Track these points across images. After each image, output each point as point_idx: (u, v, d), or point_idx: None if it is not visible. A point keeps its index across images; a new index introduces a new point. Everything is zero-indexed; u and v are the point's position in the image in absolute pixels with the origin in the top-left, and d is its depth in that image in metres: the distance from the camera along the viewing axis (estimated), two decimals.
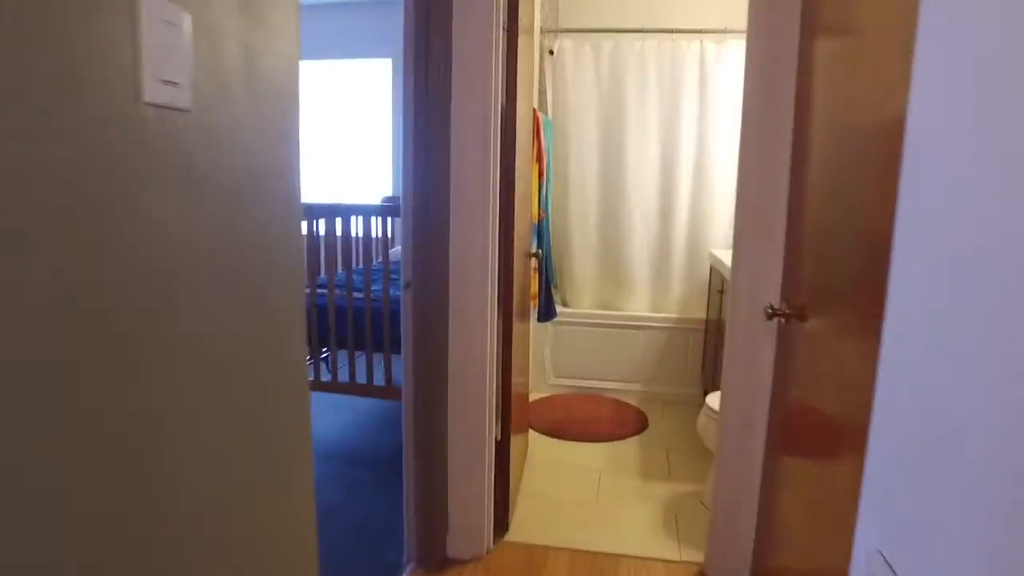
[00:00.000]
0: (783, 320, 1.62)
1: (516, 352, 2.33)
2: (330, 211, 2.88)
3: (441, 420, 2.09)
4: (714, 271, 3.39)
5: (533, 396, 3.72)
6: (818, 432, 1.33)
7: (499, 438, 2.24)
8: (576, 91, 3.63)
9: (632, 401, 3.67)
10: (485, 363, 2.03)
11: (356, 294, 2.87)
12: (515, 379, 2.33)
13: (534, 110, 2.94)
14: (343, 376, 2.92)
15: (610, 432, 3.20)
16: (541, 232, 3.21)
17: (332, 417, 3.39)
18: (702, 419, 2.50)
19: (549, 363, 3.81)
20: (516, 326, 2.32)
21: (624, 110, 3.57)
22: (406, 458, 2.09)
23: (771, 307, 1.54)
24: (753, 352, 1.86)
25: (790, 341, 1.61)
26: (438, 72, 1.91)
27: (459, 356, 2.03)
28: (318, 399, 2.81)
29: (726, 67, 3.44)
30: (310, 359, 3.01)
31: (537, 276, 3.09)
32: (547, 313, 3.22)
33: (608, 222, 3.72)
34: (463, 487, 2.12)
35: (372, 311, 2.80)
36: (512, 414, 2.27)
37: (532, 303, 3.11)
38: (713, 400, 2.38)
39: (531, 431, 3.18)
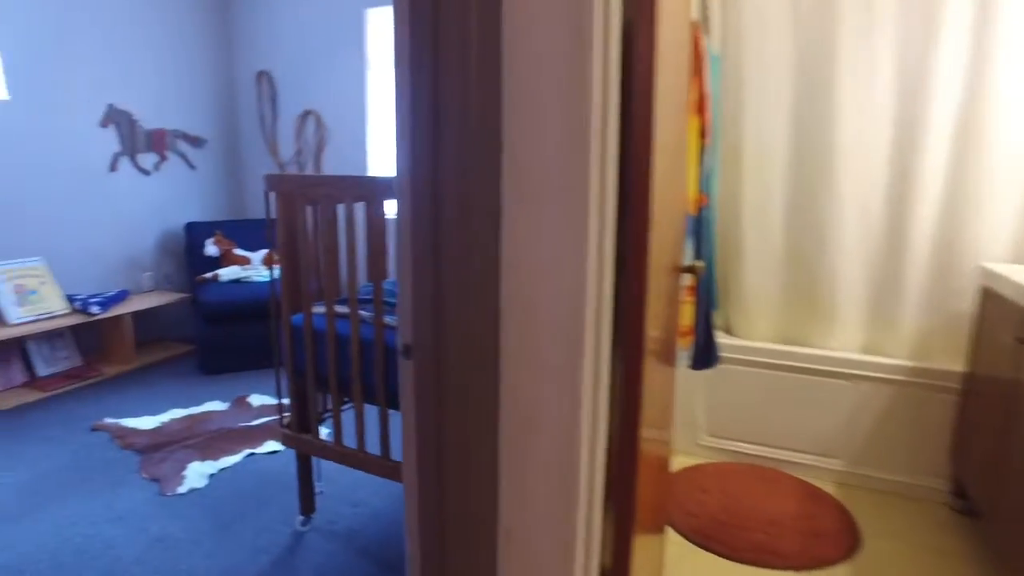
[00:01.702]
0: None
1: (651, 407, 1.25)
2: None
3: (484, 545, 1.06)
4: (989, 298, 2.06)
5: (675, 462, 2.60)
6: None
7: (608, 566, 1.18)
8: (760, 10, 2.41)
9: (829, 487, 2.42)
10: (577, 468, 0.98)
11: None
12: (651, 436, 1.25)
13: (694, 27, 1.81)
14: (350, 439, 2.02)
15: (798, 550, 2.01)
16: (700, 230, 2.07)
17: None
18: None
19: (701, 416, 2.66)
20: (654, 378, 1.24)
21: (836, 42, 2.30)
22: None
23: None
24: None
25: None
26: None
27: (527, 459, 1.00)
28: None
29: None
30: (327, 413, 2.14)
31: (693, 301, 1.96)
32: (706, 357, 2.08)
33: (801, 215, 2.48)
34: None
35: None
36: (641, 500, 1.20)
37: (683, 342, 1.99)
38: None
39: (669, 531, 2.08)
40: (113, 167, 3.89)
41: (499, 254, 0.96)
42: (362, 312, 2.00)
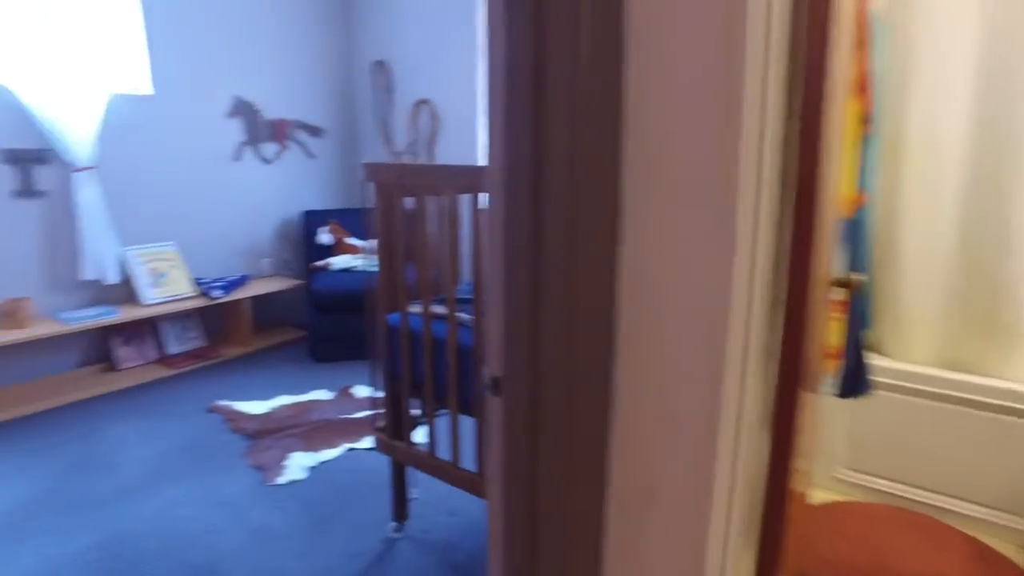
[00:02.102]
0: None
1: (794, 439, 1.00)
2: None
3: None
4: None
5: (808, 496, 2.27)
6: None
7: None
8: None
9: (1009, 550, 2.00)
10: (704, 552, 0.76)
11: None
12: (796, 471, 1.00)
13: None
14: (444, 450, 1.87)
15: None
16: (855, 234, 1.73)
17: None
18: None
19: (840, 445, 2.30)
20: (800, 405, 0.99)
21: None
22: None
23: None
24: None
25: None
26: None
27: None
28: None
29: None
30: (423, 418, 2.01)
31: (843, 318, 1.65)
32: (856, 384, 1.76)
33: (980, 217, 2.05)
34: None
35: None
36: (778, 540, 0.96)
37: (829, 365, 1.69)
38: None
39: None
40: (238, 156, 4.03)
41: (616, 265, 0.76)
42: (461, 315, 1.86)
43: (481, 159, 4.15)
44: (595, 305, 0.76)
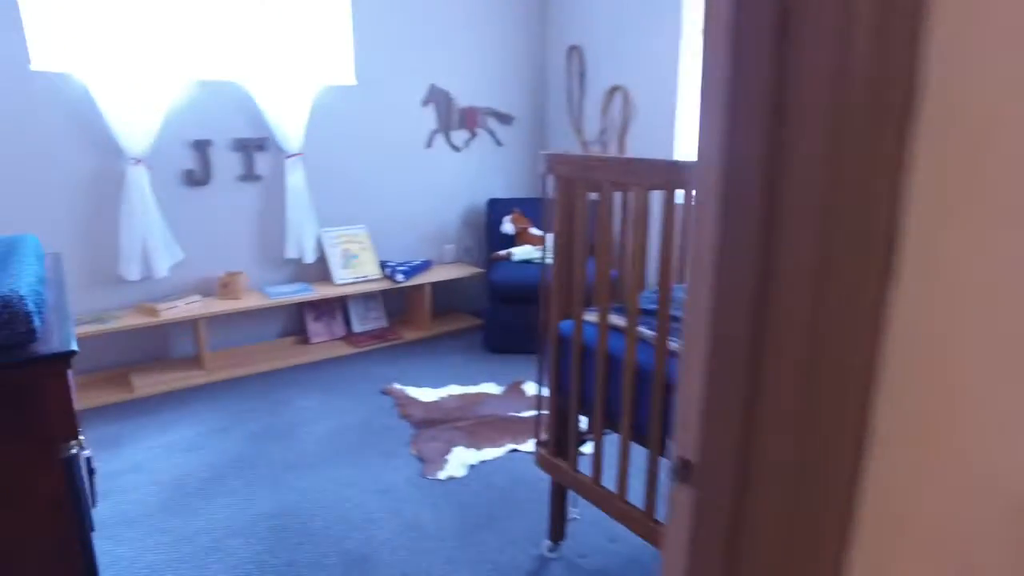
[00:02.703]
0: None
1: None
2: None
3: None
4: None
5: None
6: None
7: None
8: None
9: None
10: None
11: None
12: None
13: None
14: (609, 478, 1.61)
15: None
16: None
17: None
18: None
19: None
20: None
21: None
22: None
23: None
24: None
25: None
26: None
27: None
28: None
29: None
30: (589, 434, 1.76)
31: None
32: None
33: None
34: None
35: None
36: None
37: None
38: None
39: None
40: (429, 144, 4.10)
41: (884, 315, 0.48)
42: (643, 329, 1.61)
43: (678, 152, 3.81)
44: (846, 372, 0.48)
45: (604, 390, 1.65)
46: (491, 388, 3.25)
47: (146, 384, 3.09)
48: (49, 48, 2.88)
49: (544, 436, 1.94)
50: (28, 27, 2.80)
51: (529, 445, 2.65)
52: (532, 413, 2.96)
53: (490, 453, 2.60)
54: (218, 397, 3.07)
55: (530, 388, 3.25)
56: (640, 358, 1.56)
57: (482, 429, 2.80)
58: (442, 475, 2.43)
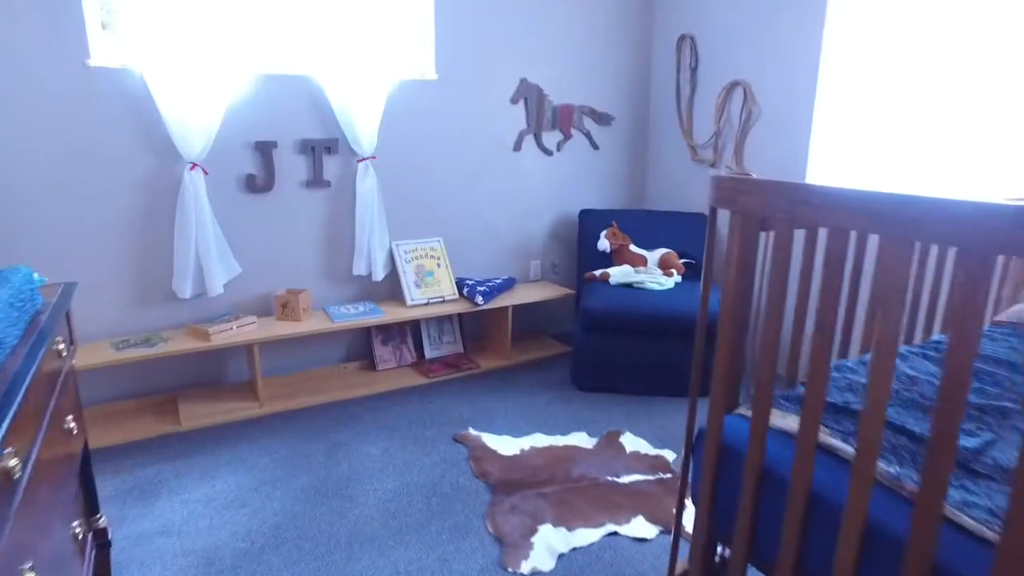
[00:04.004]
0: None
1: None
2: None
3: None
4: None
5: None
6: None
7: None
8: None
9: None
10: None
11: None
12: None
13: None
14: None
15: None
16: None
17: None
18: None
19: None
20: None
21: None
22: None
23: None
24: None
25: None
26: None
27: None
28: None
29: None
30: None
31: None
32: None
33: None
34: None
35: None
36: None
37: None
38: None
39: None
40: (518, 146, 3.61)
41: None
42: (885, 469, 1.05)
43: (812, 161, 3.17)
44: None
45: (798, 542, 1.10)
46: (582, 440, 2.73)
47: (195, 415, 2.75)
48: (108, 41, 2.58)
49: (683, 569, 1.40)
50: (87, 20, 2.51)
51: (634, 526, 2.11)
52: (632, 479, 2.42)
53: (584, 536, 2.08)
54: (272, 434, 2.69)
55: (630, 442, 2.71)
56: (873, 510, 1.00)
57: (573, 498, 2.29)
58: (525, 567, 1.93)
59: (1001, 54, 2.55)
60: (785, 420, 1.27)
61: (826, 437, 1.18)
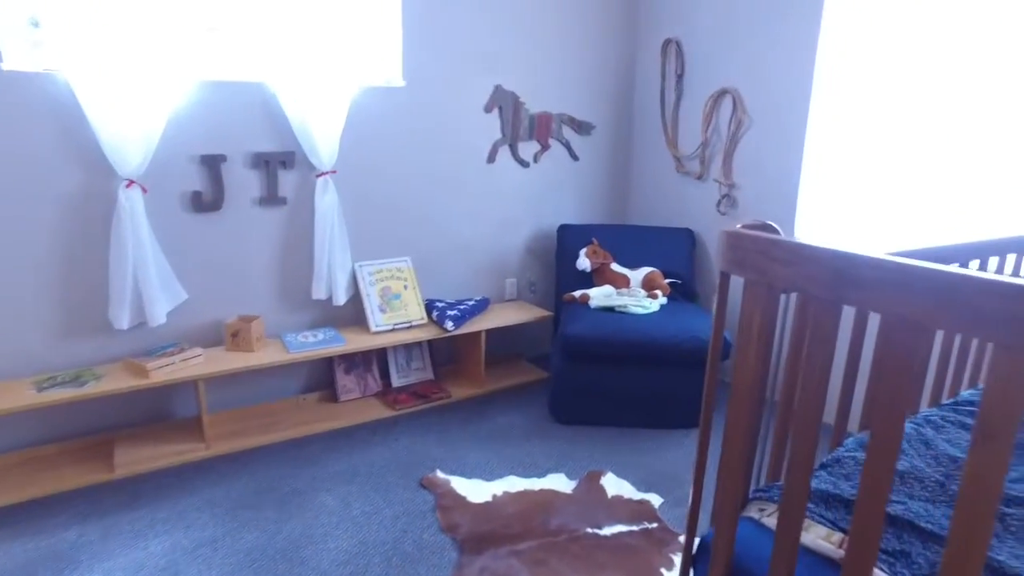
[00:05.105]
0: None
1: None
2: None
3: None
4: None
5: None
6: None
7: None
8: None
9: None
10: None
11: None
12: None
13: None
14: None
15: None
16: None
17: None
18: None
19: None
20: None
21: None
22: None
23: None
24: None
25: None
26: None
27: None
28: None
29: None
30: None
31: None
32: None
33: None
34: None
35: None
36: None
37: None
38: None
39: None
40: (492, 157, 3.37)
41: None
42: None
43: (806, 175, 2.97)
44: None
45: None
46: (560, 482, 2.50)
47: (131, 461, 2.48)
48: (26, 41, 2.29)
49: None
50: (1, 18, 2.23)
51: None
52: (616, 530, 2.20)
53: None
54: (218, 481, 2.43)
55: (612, 484, 2.48)
56: None
57: (550, 557, 2.06)
58: None
59: (1005, 46, 2.37)
60: (814, 534, 1.05)
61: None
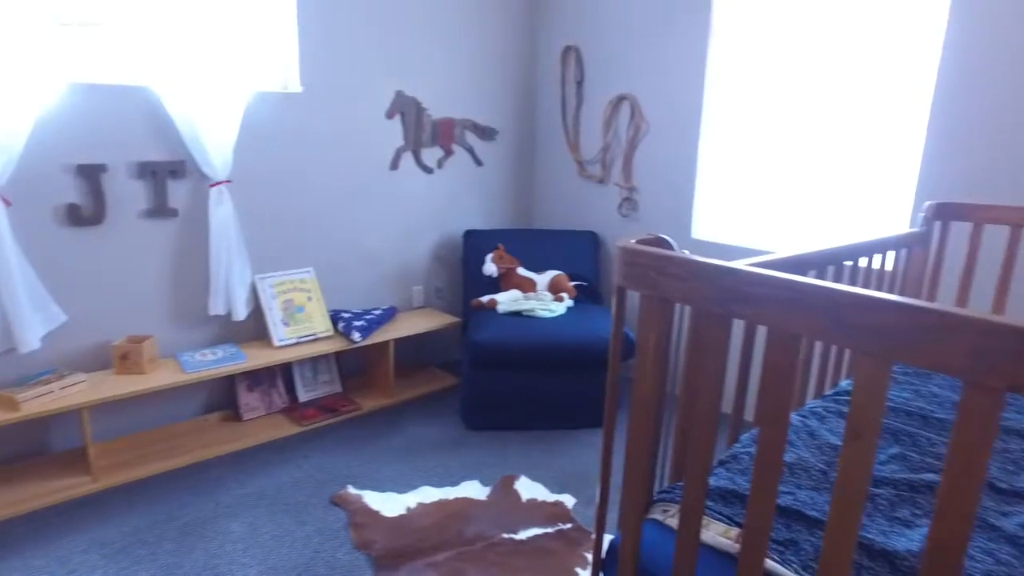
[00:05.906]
0: None
1: None
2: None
3: None
4: None
5: None
6: None
7: None
8: None
9: None
10: None
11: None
12: None
13: None
14: None
15: None
16: None
17: None
18: None
19: None
20: None
21: None
22: None
23: None
24: None
25: None
26: None
27: None
28: None
29: None
30: None
31: None
32: None
33: None
34: None
35: None
36: None
37: None
38: None
39: None
40: (395, 164, 3.33)
41: None
42: None
43: (700, 175, 3.13)
44: None
45: None
46: (474, 490, 2.52)
47: (3, 502, 2.26)
48: None
49: None
50: None
51: None
52: (531, 534, 2.24)
53: None
54: (108, 518, 2.26)
55: (526, 488, 2.52)
56: None
57: (468, 567, 2.07)
58: None
59: (877, 44, 2.60)
60: (713, 531, 1.11)
61: (775, 566, 1.02)
